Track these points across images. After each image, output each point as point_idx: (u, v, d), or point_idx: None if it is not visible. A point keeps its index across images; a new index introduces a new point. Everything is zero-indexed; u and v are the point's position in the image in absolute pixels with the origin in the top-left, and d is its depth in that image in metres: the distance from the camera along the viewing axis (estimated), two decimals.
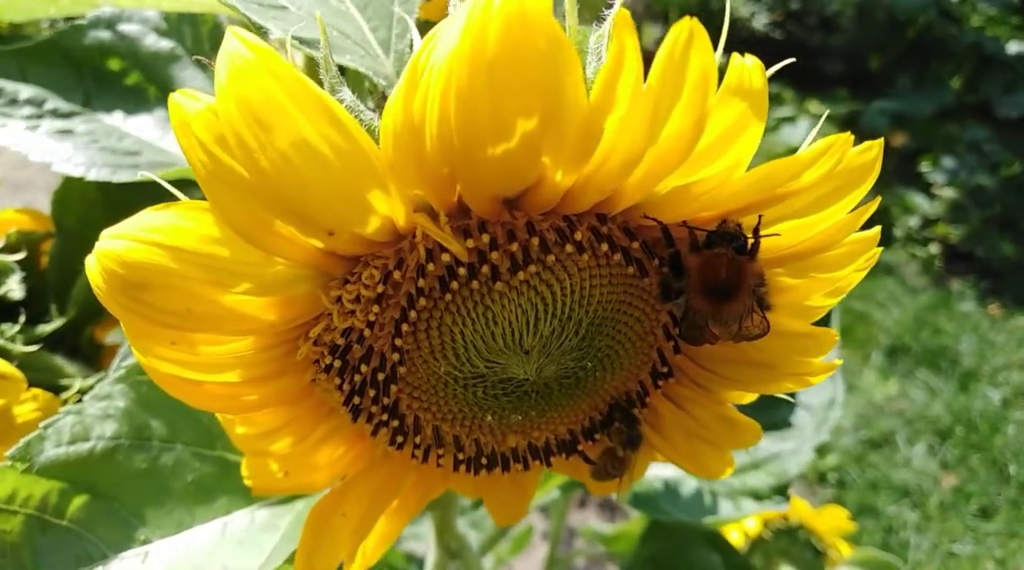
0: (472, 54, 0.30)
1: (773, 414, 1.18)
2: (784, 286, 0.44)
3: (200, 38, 1.01)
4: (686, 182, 0.38)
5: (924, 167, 5.24)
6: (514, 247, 0.40)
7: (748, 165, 0.37)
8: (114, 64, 0.96)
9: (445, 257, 0.40)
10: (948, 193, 5.05)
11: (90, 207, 0.94)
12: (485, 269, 0.40)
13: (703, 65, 0.31)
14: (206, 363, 0.42)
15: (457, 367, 0.45)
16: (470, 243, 0.40)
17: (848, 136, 0.36)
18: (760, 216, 0.40)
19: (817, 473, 3.61)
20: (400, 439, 0.50)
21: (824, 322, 1.08)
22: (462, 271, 0.40)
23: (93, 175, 0.84)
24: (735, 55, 0.34)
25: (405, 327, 0.42)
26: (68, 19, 0.97)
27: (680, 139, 0.33)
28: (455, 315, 0.42)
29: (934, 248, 4.84)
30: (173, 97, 0.34)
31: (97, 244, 0.37)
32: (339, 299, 0.41)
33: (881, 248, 0.44)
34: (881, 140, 0.38)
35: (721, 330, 0.44)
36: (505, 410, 0.49)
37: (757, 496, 1.12)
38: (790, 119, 5.22)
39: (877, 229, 0.42)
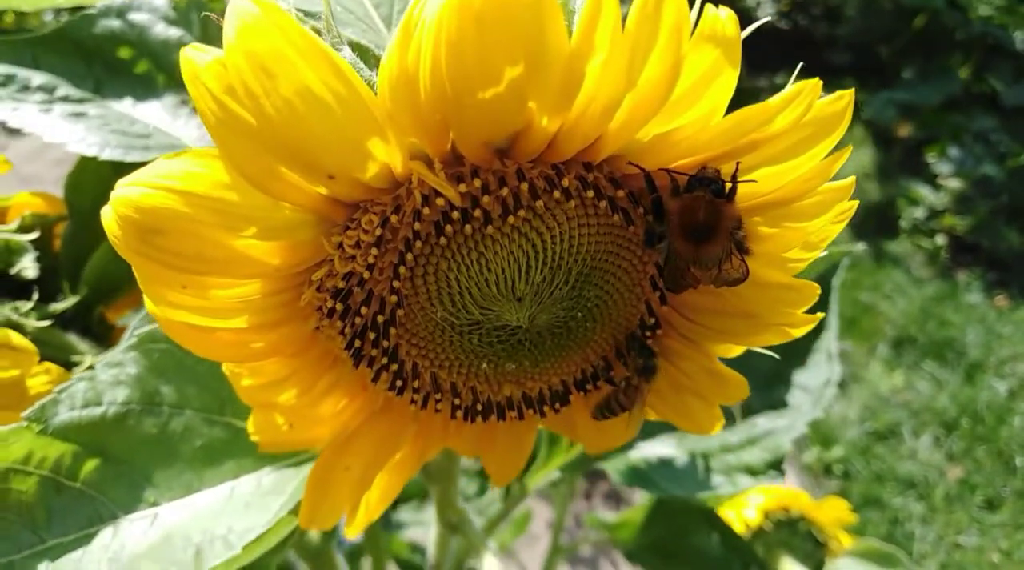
0: (460, 6, 0.32)
1: (771, 394, 1.19)
2: (762, 235, 0.46)
3: (209, 26, 1.03)
4: (666, 129, 0.40)
5: (930, 158, 5.22)
6: (504, 192, 0.42)
7: (724, 113, 0.39)
8: (124, 52, 0.98)
9: (440, 202, 0.42)
10: (954, 184, 5.02)
11: (103, 190, 0.95)
12: (477, 213, 0.42)
13: (676, 11, 0.34)
14: (215, 308, 0.44)
15: (453, 313, 0.47)
16: (463, 188, 0.42)
17: (816, 81, 0.38)
18: (738, 163, 0.42)
19: (823, 465, 3.62)
20: (400, 383, 0.52)
21: (824, 299, 1.09)
22: (456, 215, 0.42)
23: (107, 155, 0.86)
24: (708, 6, 0.36)
25: (403, 270, 0.44)
26: (76, 9, 0.99)
27: (658, 84, 0.35)
28: (450, 260, 0.44)
29: (940, 239, 4.83)
30: (184, 51, 0.36)
31: (113, 192, 0.39)
32: (340, 245, 0.43)
33: (856, 201, 0.45)
34: (852, 91, 0.40)
35: (702, 273, 0.45)
36: (500, 358, 0.51)
37: (752, 471, 1.13)
38: None
39: (851, 179, 0.44)
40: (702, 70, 0.37)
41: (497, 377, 0.54)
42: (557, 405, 0.58)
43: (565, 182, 0.43)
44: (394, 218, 0.43)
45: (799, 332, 0.50)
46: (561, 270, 0.46)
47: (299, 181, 0.39)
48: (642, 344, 0.55)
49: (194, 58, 0.36)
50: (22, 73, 0.92)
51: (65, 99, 0.93)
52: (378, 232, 0.43)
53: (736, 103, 0.39)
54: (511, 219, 0.43)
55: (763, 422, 1.17)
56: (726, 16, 0.36)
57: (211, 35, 1.05)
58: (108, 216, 0.39)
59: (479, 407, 0.56)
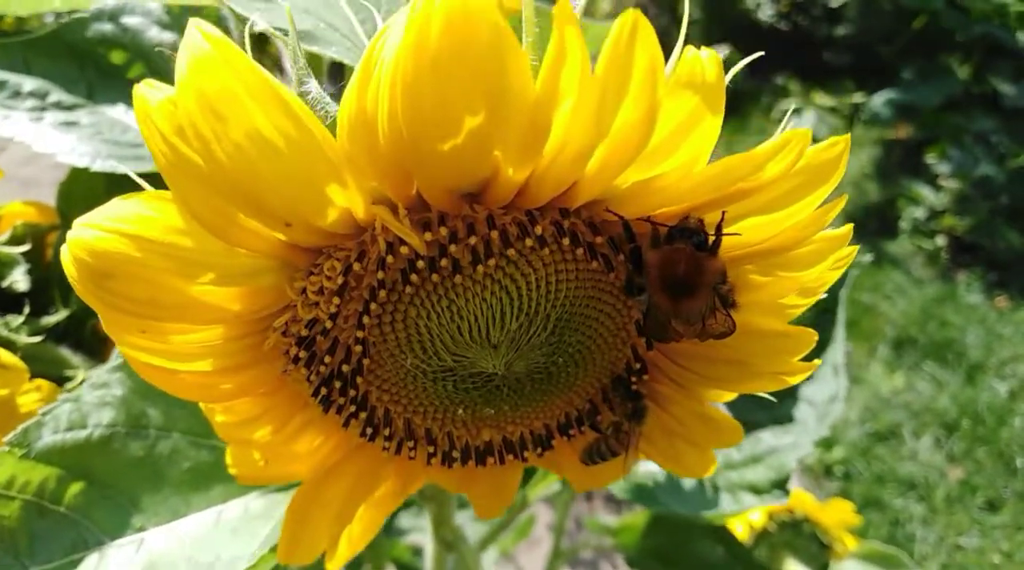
0: (416, 47, 0.30)
1: (775, 410, 1.18)
2: (754, 284, 0.44)
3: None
4: (646, 177, 0.38)
5: (930, 158, 5.20)
6: (474, 240, 0.40)
7: (708, 160, 0.37)
8: (117, 57, 0.97)
9: (404, 250, 0.40)
10: (954, 184, 5.00)
11: (96, 200, 0.94)
12: (444, 262, 0.40)
13: (649, 56, 0.31)
14: (177, 352, 0.43)
15: (424, 360, 0.45)
16: (428, 236, 0.40)
17: (806, 131, 0.35)
18: (724, 213, 0.40)
19: (823, 466, 3.60)
20: (370, 431, 0.50)
21: (831, 312, 1.07)
22: (421, 264, 0.40)
23: (98, 166, 0.85)
24: (689, 47, 0.34)
25: (367, 319, 0.42)
26: (71, 12, 0.98)
27: (632, 131, 0.33)
28: (419, 308, 0.42)
29: (940, 240, 4.81)
30: (137, 87, 0.35)
31: (69, 232, 0.38)
32: (303, 290, 0.42)
33: (856, 246, 0.43)
34: (847, 137, 0.38)
35: (684, 328, 0.43)
36: (477, 404, 0.50)
37: (756, 490, 1.12)
38: (796, 110, 5.19)
39: (848, 227, 0.42)
40: (680, 118, 0.34)
41: (475, 422, 0.52)
42: (539, 450, 0.55)
43: (539, 229, 0.41)
44: (357, 266, 0.40)
45: (795, 380, 0.48)
46: (539, 317, 0.44)
47: (257, 226, 0.37)
48: (627, 388, 0.52)
49: (145, 95, 0.34)
50: (13, 78, 0.91)
51: (57, 105, 0.92)
52: (341, 280, 0.41)
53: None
54: (481, 268, 0.41)
55: (768, 438, 1.16)
56: (707, 58, 0.34)
57: None
58: (66, 257, 0.38)
59: (455, 454, 0.54)
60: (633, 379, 0.52)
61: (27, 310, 0.83)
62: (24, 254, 0.87)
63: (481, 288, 0.42)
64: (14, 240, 0.89)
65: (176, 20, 1.03)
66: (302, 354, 0.45)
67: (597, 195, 0.40)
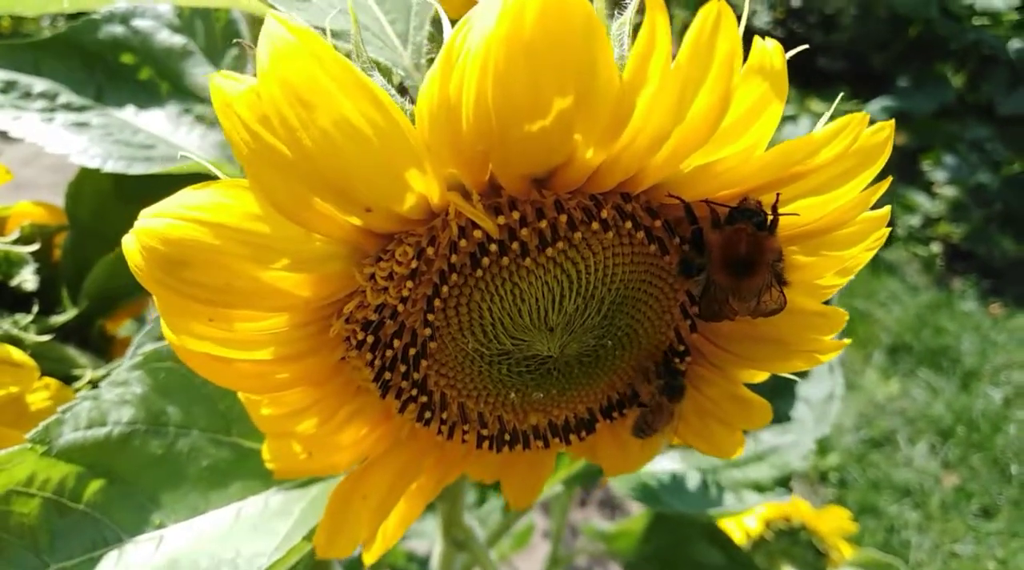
0: (509, 37, 0.31)
1: (775, 408, 1.19)
2: (798, 264, 0.45)
3: (213, 34, 1.03)
4: (708, 161, 0.39)
5: (925, 166, 5.24)
6: (543, 224, 0.41)
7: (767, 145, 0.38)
8: (127, 59, 0.97)
9: (477, 234, 0.41)
10: (949, 192, 5.05)
11: (104, 201, 0.95)
12: (515, 245, 0.42)
13: (730, 45, 0.33)
14: (241, 340, 0.43)
15: (484, 343, 0.46)
16: (501, 220, 0.41)
17: (864, 115, 0.37)
18: (778, 194, 0.41)
19: (819, 473, 3.62)
20: (428, 415, 0.51)
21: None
22: (493, 247, 0.41)
23: (110, 167, 0.85)
24: (756, 38, 0.35)
25: (437, 303, 0.43)
26: (76, 15, 0.98)
27: (706, 117, 0.35)
28: (484, 292, 0.43)
29: (935, 247, 4.85)
30: (214, 79, 0.35)
31: (136, 223, 0.38)
32: (372, 276, 0.42)
33: (889, 228, 0.45)
34: (892, 122, 0.40)
35: (740, 305, 0.45)
36: (528, 387, 0.51)
37: (760, 488, 1.13)
38: (792, 117, 5.23)
39: (887, 208, 0.44)
40: (750, 103, 0.36)
41: (524, 406, 0.53)
42: (583, 433, 0.57)
43: (604, 213, 0.42)
44: (429, 250, 0.42)
45: (827, 358, 0.50)
46: (594, 300, 0.45)
47: (333, 212, 0.38)
48: (668, 364, 0.54)
49: (225, 87, 0.35)
50: (24, 79, 0.91)
51: (67, 107, 0.92)
52: (413, 264, 0.42)
53: None
54: (548, 251, 0.42)
55: (768, 437, 1.16)
56: (773, 48, 0.35)
57: (217, 46, 1.04)
58: (131, 246, 0.38)
59: (506, 436, 0.55)
60: (676, 360, 0.54)
61: (35, 309, 0.83)
62: (32, 254, 0.86)
63: (544, 272, 0.43)
64: (22, 240, 0.89)
65: (187, 23, 1.03)
66: (368, 338, 0.45)
67: (661, 179, 0.41)
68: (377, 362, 0.47)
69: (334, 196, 0.36)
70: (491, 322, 0.45)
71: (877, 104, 5.50)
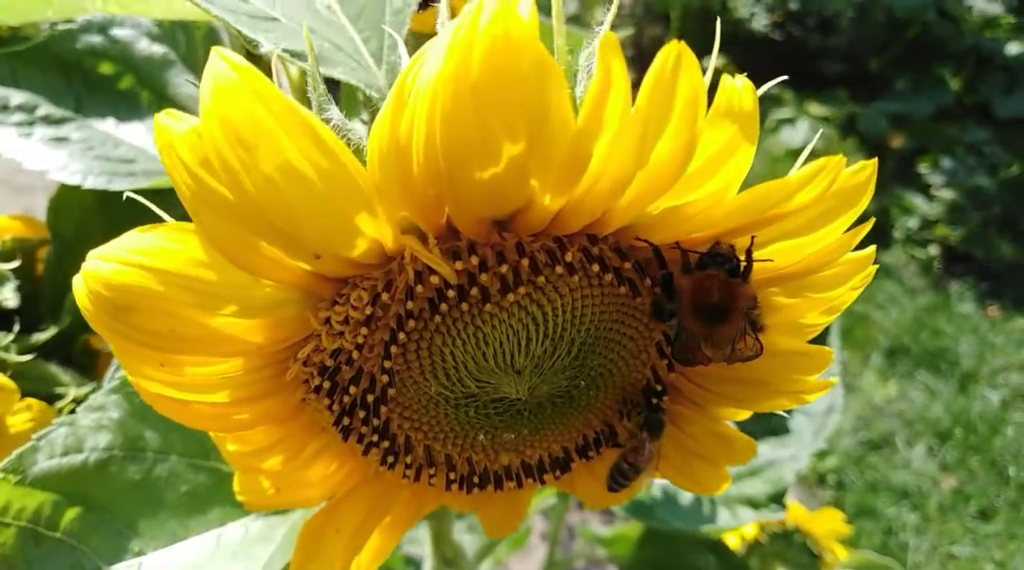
0: (456, 76, 0.30)
1: (771, 420, 1.18)
2: (779, 305, 0.44)
3: (194, 44, 1.01)
4: (678, 203, 0.38)
5: (923, 168, 5.23)
6: (504, 269, 0.40)
7: (741, 185, 0.37)
8: (106, 68, 0.95)
9: (434, 279, 0.39)
10: (947, 194, 5.04)
11: (86, 215, 0.94)
12: (475, 291, 0.40)
13: (692, 88, 0.31)
14: (194, 384, 0.42)
15: (448, 387, 0.44)
16: (459, 265, 0.39)
17: (840, 159, 0.35)
18: (753, 237, 0.40)
19: (816, 475, 3.61)
20: (391, 459, 0.50)
21: (824, 332, 1.08)
22: (451, 293, 0.40)
23: (90, 183, 0.84)
24: (725, 76, 0.33)
25: (394, 349, 0.42)
26: (64, 23, 0.96)
27: (670, 161, 0.33)
28: (445, 336, 0.42)
29: (933, 249, 4.84)
30: (158, 118, 0.34)
31: (84, 265, 0.37)
32: (328, 320, 0.41)
33: (876, 266, 0.44)
34: (875, 161, 0.38)
35: (714, 352, 0.43)
36: (498, 429, 0.49)
37: (754, 504, 1.12)
38: (789, 121, 5.21)
39: (871, 249, 0.42)
40: (718, 146, 0.34)
41: (495, 447, 0.52)
42: (558, 472, 0.55)
43: (568, 256, 0.41)
44: (385, 295, 0.40)
45: (812, 398, 0.48)
46: (563, 341, 0.44)
47: (282, 257, 0.36)
48: (648, 402, 0.52)
49: (169, 126, 0.34)
50: (1, 91, 0.90)
51: (46, 119, 0.90)
52: (368, 310, 0.40)
53: None
54: (511, 296, 0.41)
55: (765, 450, 1.15)
56: (742, 86, 0.33)
57: (199, 55, 1.03)
58: (79, 289, 0.38)
59: (475, 478, 0.53)
60: (654, 400, 0.52)
61: (17, 328, 0.82)
62: (14, 270, 0.85)
63: (508, 315, 0.42)
64: (3, 256, 0.88)
65: (167, 32, 1.02)
66: (325, 384, 0.44)
67: (628, 222, 0.40)
68: (336, 407, 0.45)
69: (280, 241, 0.35)
70: (454, 366, 0.43)
71: (875, 107, 5.49)
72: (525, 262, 0.40)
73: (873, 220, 0.40)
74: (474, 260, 0.39)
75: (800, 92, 5.53)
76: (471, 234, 0.39)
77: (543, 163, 0.32)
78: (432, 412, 0.47)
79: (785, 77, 0.42)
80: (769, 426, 1.18)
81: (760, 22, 5.90)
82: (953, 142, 5.28)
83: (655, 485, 1.13)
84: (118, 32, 0.97)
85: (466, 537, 1.27)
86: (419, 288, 0.40)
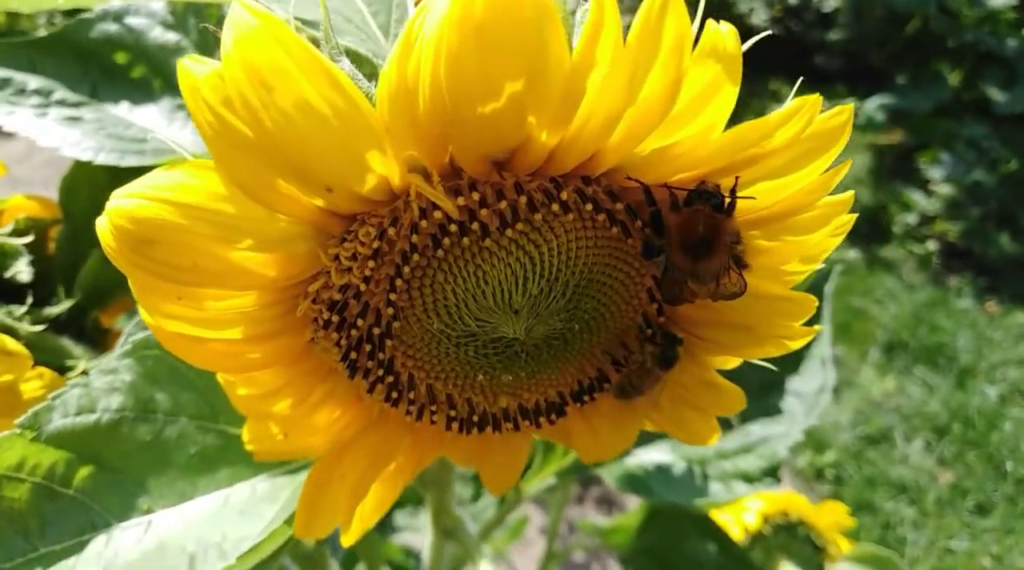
0: (461, 19, 0.32)
1: (764, 401, 1.20)
2: (760, 249, 0.46)
3: (207, 30, 1.03)
4: (665, 144, 0.40)
5: (922, 164, 5.24)
6: (503, 205, 0.42)
7: (724, 128, 0.39)
8: (121, 57, 0.98)
9: (437, 215, 0.41)
10: (946, 190, 5.05)
11: (98, 194, 0.95)
12: (475, 226, 0.42)
13: (678, 26, 0.33)
14: (210, 319, 0.44)
15: (449, 325, 0.47)
16: (461, 201, 0.42)
17: (816, 98, 0.38)
18: (737, 178, 0.42)
19: (815, 469, 3.62)
20: (395, 395, 0.52)
21: (818, 307, 1.11)
22: (453, 228, 0.42)
23: (101, 159, 0.86)
24: (710, 21, 0.36)
25: (399, 282, 0.44)
26: (73, 12, 0.98)
27: (658, 99, 0.35)
28: (447, 273, 0.44)
29: (932, 245, 4.85)
30: (182, 62, 0.36)
31: (108, 202, 0.38)
32: (337, 257, 0.43)
33: (855, 215, 0.45)
34: (851, 106, 0.40)
35: (699, 287, 0.45)
36: (496, 370, 0.51)
37: (748, 478, 1.13)
38: None
39: (850, 193, 0.44)
40: (702, 85, 0.37)
41: (493, 388, 0.54)
42: (553, 416, 0.58)
43: (564, 195, 0.43)
44: (391, 231, 0.42)
45: (797, 344, 0.50)
46: (558, 282, 0.46)
47: (296, 193, 0.38)
48: (667, 332, 0.54)
49: (192, 69, 0.36)
50: (19, 76, 0.92)
51: (61, 102, 0.93)
52: (375, 245, 0.43)
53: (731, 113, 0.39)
54: (509, 232, 0.43)
55: (758, 429, 1.17)
56: (727, 31, 0.36)
57: (209, 41, 1.05)
58: (103, 226, 0.39)
59: (475, 419, 0.55)
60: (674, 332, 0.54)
61: (30, 300, 0.84)
62: (27, 247, 0.87)
63: (506, 253, 0.44)
64: (16, 233, 0.89)
65: (180, 20, 1.04)
66: (334, 318, 0.46)
67: (618, 162, 0.42)
68: (343, 342, 0.48)
69: (296, 176, 0.37)
70: (455, 303, 0.45)
71: (874, 102, 5.49)
72: (523, 200, 0.42)
73: (850, 162, 0.43)
74: (475, 196, 0.42)
75: (799, 87, 5.53)
76: (472, 172, 0.41)
77: (541, 99, 0.34)
78: (434, 351, 0.50)
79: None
80: (763, 407, 1.19)
81: (759, 16, 5.91)
82: (952, 137, 5.28)
83: (651, 461, 1.15)
84: (133, 21, 0.99)
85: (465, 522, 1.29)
86: (423, 223, 0.42)
